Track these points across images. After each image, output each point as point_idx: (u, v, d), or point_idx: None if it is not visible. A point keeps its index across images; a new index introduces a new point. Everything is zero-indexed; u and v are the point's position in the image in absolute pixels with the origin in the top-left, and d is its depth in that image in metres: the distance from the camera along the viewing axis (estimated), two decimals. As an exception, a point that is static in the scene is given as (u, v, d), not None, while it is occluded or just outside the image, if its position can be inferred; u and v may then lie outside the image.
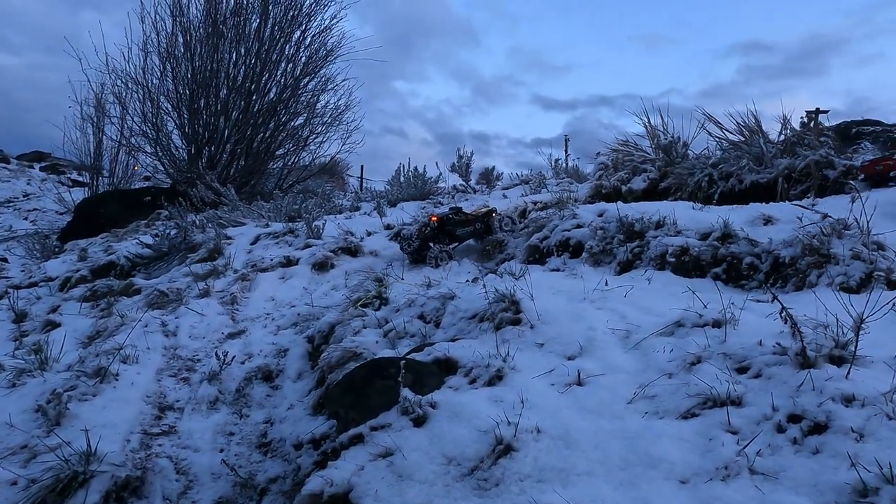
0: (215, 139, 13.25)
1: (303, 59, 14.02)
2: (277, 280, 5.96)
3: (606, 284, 3.89)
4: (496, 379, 2.64)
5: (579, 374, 2.57)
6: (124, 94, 13.37)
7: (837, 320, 2.30)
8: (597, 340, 2.89)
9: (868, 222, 3.65)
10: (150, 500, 2.65)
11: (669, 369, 2.52)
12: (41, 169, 22.95)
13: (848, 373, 2.09)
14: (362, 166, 20.91)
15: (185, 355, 4.20)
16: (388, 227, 8.09)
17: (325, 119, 14.65)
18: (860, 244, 3.60)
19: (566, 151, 14.54)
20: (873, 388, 1.97)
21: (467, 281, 4.63)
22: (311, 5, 13.82)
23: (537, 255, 5.41)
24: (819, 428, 1.90)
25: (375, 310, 4.22)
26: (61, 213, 15.01)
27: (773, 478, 1.77)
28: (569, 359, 2.79)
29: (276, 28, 13.52)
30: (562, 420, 2.24)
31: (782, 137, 7.03)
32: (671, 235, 4.52)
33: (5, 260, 9.98)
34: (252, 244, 7.29)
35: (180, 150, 13.63)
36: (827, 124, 8.98)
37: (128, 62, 13.43)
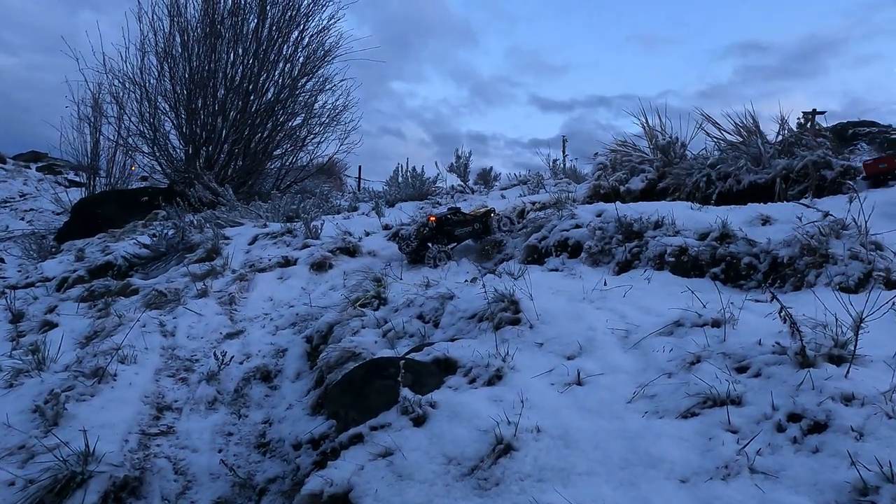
0: (213, 139, 13.22)
1: (301, 60, 14.01)
2: (276, 280, 5.95)
3: (605, 284, 3.89)
4: (496, 379, 2.64)
5: (579, 374, 2.57)
6: (122, 94, 13.35)
7: (837, 320, 2.30)
8: (596, 340, 2.89)
9: (866, 222, 3.66)
10: (149, 500, 2.65)
11: (669, 369, 2.52)
12: (38, 169, 22.84)
13: (847, 372, 2.09)
14: (360, 167, 20.88)
15: (183, 355, 4.19)
16: (386, 228, 8.08)
17: (323, 119, 14.64)
18: (858, 244, 3.61)
19: (564, 152, 14.53)
20: (873, 387, 1.98)
21: (466, 281, 4.62)
22: (309, 5, 13.81)
23: (536, 256, 5.41)
24: (819, 427, 1.90)
25: (374, 310, 4.21)
26: (58, 214, 14.97)
27: (773, 477, 1.77)
28: (568, 358, 2.79)
29: (274, 28, 13.50)
30: (562, 420, 2.24)
31: (780, 138, 7.05)
32: (670, 235, 4.52)
33: (2, 260, 9.95)
34: (250, 244, 7.28)
35: (178, 151, 13.60)
36: (824, 125, 9.02)
37: (125, 62, 13.39)
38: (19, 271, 8.76)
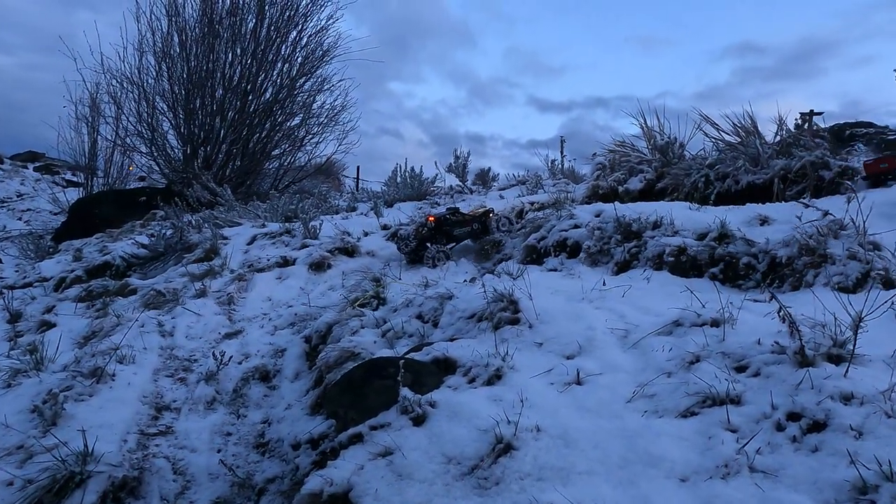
0: (211, 139, 13.21)
1: (299, 60, 14.02)
2: (274, 280, 5.94)
3: (604, 284, 3.89)
4: (495, 378, 2.64)
5: (578, 374, 2.57)
6: (119, 93, 13.35)
7: (836, 319, 2.31)
8: (596, 340, 2.89)
9: (864, 222, 3.67)
10: (148, 500, 2.64)
11: (668, 368, 2.52)
12: (35, 169, 22.78)
13: (846, 371, 2.09)
14: (358, 167, 20.85)
15: (181, 355, 4.19)
16: (384, 228, 8.08)
17: (322, 119, 14.66)
18: (856, 244, 3.62)
19: (562, 153, 14.53)
20: (872, 386, 1.98)
21: (465, 281, 4.63)
22: (307, 5, 13.82)
23: (535, 256, 5.42)
24: (818, 426, 1.91)
25: (373, 310, 4.21)
26: (55, 214, 14.94)
27: (772, 476, 1.77)
28: (568, 358, 2.79)
29: (273, 28, 13.50)
30: (561, 419, 2.24)
31: (778, 138, 7.06)
32: (668, 235, 4.53)
33: (-1, 260, 9.92)
34: (248, 244, 7.27)
35: (176, 151, 13.59)
36: (821, 126, 9.03)
37: (123, 62, 13.41)
38: (17, 271, 8.74)
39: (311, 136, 14.67)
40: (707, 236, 4.36)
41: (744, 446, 1.89)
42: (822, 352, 2.24)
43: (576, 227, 5.25)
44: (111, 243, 8.72)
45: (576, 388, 2.50)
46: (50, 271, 7.52)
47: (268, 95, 13.74)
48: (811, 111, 10.47)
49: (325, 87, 14.47)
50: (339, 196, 14.65)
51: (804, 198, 5.19)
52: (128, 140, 13.92)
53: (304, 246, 6.76)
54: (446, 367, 2.86)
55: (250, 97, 13.39)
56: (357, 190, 17.52)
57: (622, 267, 4.57)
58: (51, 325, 5.21)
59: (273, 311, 5.20)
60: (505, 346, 2.84)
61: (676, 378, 2.43)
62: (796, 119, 8.41)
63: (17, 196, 18.32)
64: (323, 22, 14.09)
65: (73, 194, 15.31)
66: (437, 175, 12.01)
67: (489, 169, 14.57)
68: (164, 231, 7.59)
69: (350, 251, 6.74)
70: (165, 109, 13.35)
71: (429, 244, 6.16)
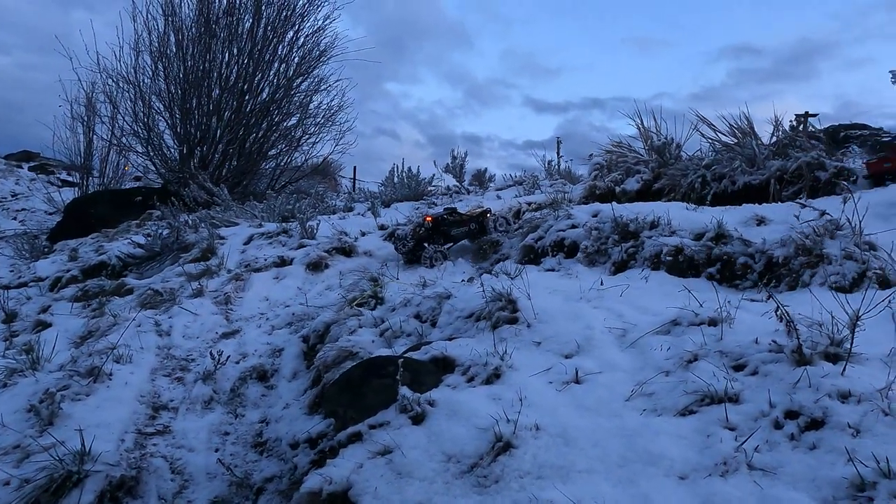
0: (207, 139, 13.16)
1: (296, 60, 13.97)
2: (271, 280, 5.93)
3: (602, 284, 3.90)
4: (494, 377, 2.65)
5: (577, 373, 2.58)
6: (115, 93, 13.26)
7: (833, 318, 2.32)
8: (594, 339, 2.90)
9: (860, 222, 3.69)
10: (146, 499, 2.63)
11: (667, 367, 2.53)
12: (30, 169, 22.66)
13: (844, 370, 2.11)
14: (355, 167, 20.84)
15: (178, 355, 4.17)
16: (382, 228, 8.07)
17: (318, 120, 14.59)
18: (852, 244, 3.64)
19: (558, 153, 14.58)
20: (869, 384, 1.99)
21: (463, 280, 4.63)
22: (304, 6, 13.79)
23: (532, 256, 5.43)
24: (816, 424, 1.92)
25: (371, 309, 4.20)
26: (50, 214, 14.86)
27: (771, 473, 1.78)
28: (566, 357, 2.80)
29: (269, 28, 13.46)
30: (560, 418, 2.24)
31: (774, 139, 7.10)
32: (666, 235, 4.55)
33: (-6, 260, 9.85)
34: (245, 244, 7.25)
35: (172, 150, 13.53)
36: (816, 128, 9.08)
37: (119, 61, 13.31)
38: (11, 271, 8.69)
39: (307, 136, 14.64)
40: (704, 236, 4.38)
41: (742, 444, 1.90)
42: (819, 350, 2.25)
43: (573, 227, 5.27)
44: (107, 243, 8.70)
45: (575, 386, 2.51)
46: (45, 271, 7.49)
47: (264, 95, 13.70)
48: (806, 113, 10.51)
49: (322, 88, 14.45)
50: (336, 196, 14.64)
51: (800, 198, 5.22)
52: (124, 140, 13.87)
53: (302, 246, 6.75)
54: (445, 366, 2.86)
55: (247, 97, 13.35)
56: (354, 190, 17.51)
57: (620, 267, 4.59)
58: (46, 325, 5.18)
59: (270, 310, 5.19)
60: (503, 346, 2.84)
61: (675, 377, 2.44)
62: (791, 121, 8.45)
63: (12, 196, 18.22)
64: (320, 22, 14.06)
65: (69, 194, 15.22)
66: (434, 175, 12.03)
67: (486, 170, 14.54)
68: (160, 231, 7.57)
69: (347, 251, 6.73)
70: (162, 109, 13.31)
71: (426, 244, 6.16)
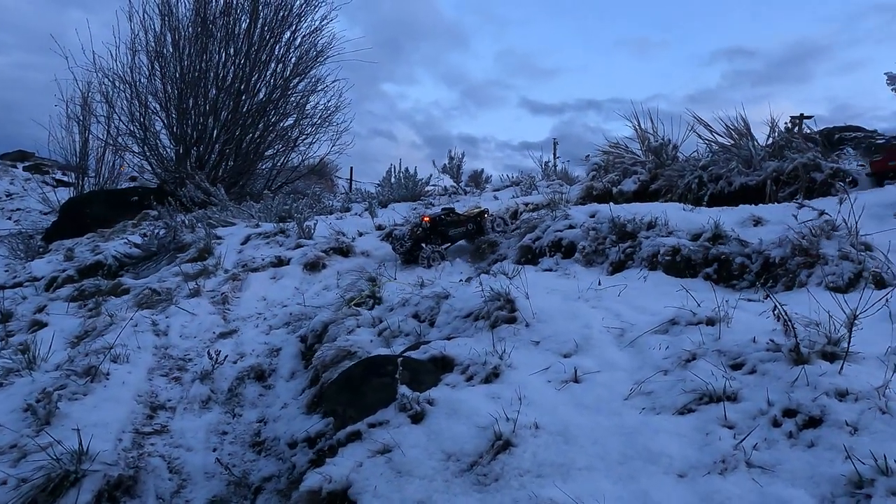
0: (204, 139, 13.14)
1: (293, 60, 13.98)
2: (269, 280, 5.92)
3: (600, 284, 3.91)
4: (493, 376, 2.65)
5: (576, 371, 2.58)
6: (111, 92, 13.25)
7: (830, 317, 2.33)
8: (592, 338, 2.91)
9: (856, 223, 3.71)
10: (144, 499, 2.62)
11: (665, 366, 2.54)
12: (25, 168, 22.52)
13: (841, 368, 2.12)
14: (351, 168, 20.87)
15: (176, 355, 4.16)
16: (379, 228, 8.07)
17: (315, 120, 14.60)
18: (848, 245, 3.66)
19: (555, 154, 14.62)
20: (866, 382, 2.01)
21: (461, 280, 4.63)
22: (301, 6, 13.79)
23: (530, 256, 5.43)
24: (814, 422, 1.93)
25: (369, 309, 4.20)
26: (46, 213, 14.80)
27: (770, 471, 1.79)
28: (565, 356, 2.80)
29: (266, 28, 13.46)
30: (560, 416, 2.25)
31: (770, 141, 7.14)
32: (663, 236, 4.56)
33: (-12, 260, 9.81)
34: (242, 244, 7.24)
35: (168, 150, 13.50)
36: (811, 130, 9.13)
37: (115, 61, 13.31)
38: (7, 271, 8.64)
39: (304, 136, 14.64)
40: (701, 237, 4.40)
41: (741, 442, 1.91)
42: (816, 349, 2.26)
43: (571, 227, 5.28)
44: (103, 243, 8.66)
45: (574, 385, 2.52)
46: (41, 271, 7.45)
47: (261, 96, 13.70)
48: (801, 115, 10.58)
49: (319, 88, 14.45)
50: (333, 197, 14.62)
51: (796, 199, 5.25)
52: (120, 139, 13.83)
53: (299, 246, 6.74)
54: (444, 365, 2.86)
55: (244, 97, 13.34)
56: (350, 191, 17.50)
57: (617, 267, 4.60)
58: (42, 325, 5.16)
59: (268, 310, 5.18)
60: (502, 345, 2.85)
61: (673, 376, 2.44)
62: (786, 123, 8.51)
63: (7, 196, 18.13)
64: (317, 23, 14.07)
65: (64, 194, 15.17)
66: (431, 176, 12.03)
67: (482, 171, 14.63)
68: (156, 231, 7.55)
69: (345, 251, 6.73)
70: (158, 109, 13.29)
71: (424, 244, 6.17)
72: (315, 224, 7.45)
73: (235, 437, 3.25)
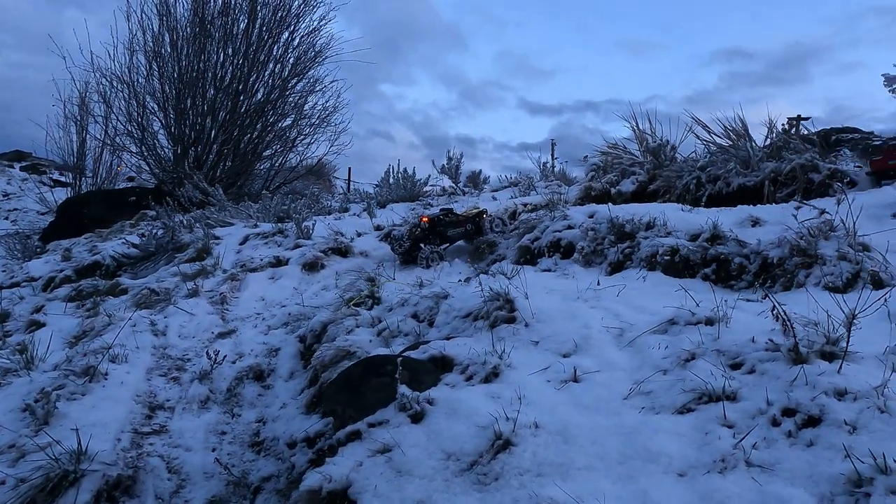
0: (202, 139, 13.12)
1: (291, 61, 13.97)
2: (267, 280, 5.92)
3: (598, 284, 3.92)
4: (492, 376, 2.65)
5: (575, 371, 2.59)
6: (109, 92, 13.22)
7: (829, 317, 2.34)
8: (591, 338, 2.91)
9: (854, 224, 3.72)
10: (143, 499, 2.62)
11: (664, 366, 2.55)
12: (21, 168, 22.47)
13: (840, 368, 2.12)
14: (350, 168, 20.84)
15: (174, 355, 4.16)
16: (378, 228, 8.07)
17: (313, 121, 14.59)
18: (846, 245, 3.67)
19: (553, 155, 14.64)
20: (865, 382, 2.01)
21: (460, 280, 4.63)
22: (299, 6, 13.78)
23: (528, 256, 5.44)
24: (813, 421, 1.93)
25: (368, 309, 4.20)
26: (43, 214, 14.77)
27: (769, 470, 1.80)
28: (564, 356, 2.81)
29: (265, 29, 13.45)
30: (559, 416, 2.25)
31: (768, 142, 7.16)
32: (662, 236, 4.57)
33: (-15, 260, 9.78)
34: (241, 244, 7.23)
35: (166, 150, 13.48)
36: (808, 131, 9.15)
37: (113, 61, 13.28)
38: (4, 271, 8.63)
39: (302, 137, 14.62)
40: (700, 237, 4.41)
41: (740, 441, 1.91)
42: (815, 349, 2.27)
43: (569, 227, 5.28)
44: (101, 243, 8.64)
45: (573, 385, 2.52)
46: (38, 271, 7.43)
47: (259, 96, 13.68)
48: (798, 116, 10.60)
49: (317, 89, 14.45)
50: (331, 197, 14.62)
51: (794, 200, 5.26)
52: (117, 139, 13.80)
53: (297, 246, 6.74)
54: (443, 365, 2.86)
55: (242, 98, 13.32)
56: (348, 191, 17.49)
57: (616, 267, 4.61)
58: (40, 325, 5.15)
59: (266, 310, 5.18)
60: (502, 345, 2.85)
61: (672, 375, 2.45)
62: (784, 124, 8.53)
63: (4, 196, 18.09)
64: (315, 23, 14.07)
65: (61, 194, 15.15)
66: (429, 176, 12.05)
67: (480, 171, 14.65)
68: (154, 231, 7.53)
69: (343, 251, 6.73)
70: (156, 109, 13.26)
71: (422, 245, 6.17)
72: (313, 224, 7.45)
73: (234, 436, 3.25)
